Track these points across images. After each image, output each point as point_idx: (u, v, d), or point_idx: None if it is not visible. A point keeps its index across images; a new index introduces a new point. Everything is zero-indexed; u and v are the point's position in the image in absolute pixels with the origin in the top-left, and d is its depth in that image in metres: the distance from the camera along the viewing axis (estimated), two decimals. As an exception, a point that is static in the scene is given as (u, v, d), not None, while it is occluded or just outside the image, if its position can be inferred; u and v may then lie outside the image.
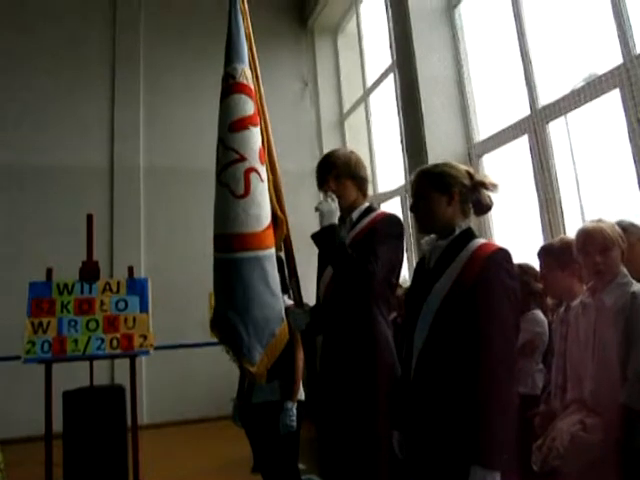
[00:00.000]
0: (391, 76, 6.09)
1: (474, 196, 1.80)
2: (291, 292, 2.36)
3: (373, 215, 2.23)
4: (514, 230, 4.60)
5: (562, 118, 4.03)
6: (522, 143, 4.38)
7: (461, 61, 5.14)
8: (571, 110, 3.89)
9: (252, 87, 2.34)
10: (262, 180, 2.22)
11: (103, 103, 7.37)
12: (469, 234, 1.76)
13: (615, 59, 3.55)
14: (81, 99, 7.23)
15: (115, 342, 4.22)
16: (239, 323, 2.09)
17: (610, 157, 3.77)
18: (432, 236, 1.82)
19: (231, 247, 2.13)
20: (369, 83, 7.11)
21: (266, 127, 2.40)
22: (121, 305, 4.35)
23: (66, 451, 4.15)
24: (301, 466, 3.63)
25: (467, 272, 1.65)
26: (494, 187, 1.80)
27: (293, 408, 2.75)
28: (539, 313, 2.88)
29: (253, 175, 2.18)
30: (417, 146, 5.04)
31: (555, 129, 4.14)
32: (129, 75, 7.48)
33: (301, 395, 2.83)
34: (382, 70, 6.54)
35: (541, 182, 4.13)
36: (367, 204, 2.31)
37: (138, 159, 7.39)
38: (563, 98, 3.93)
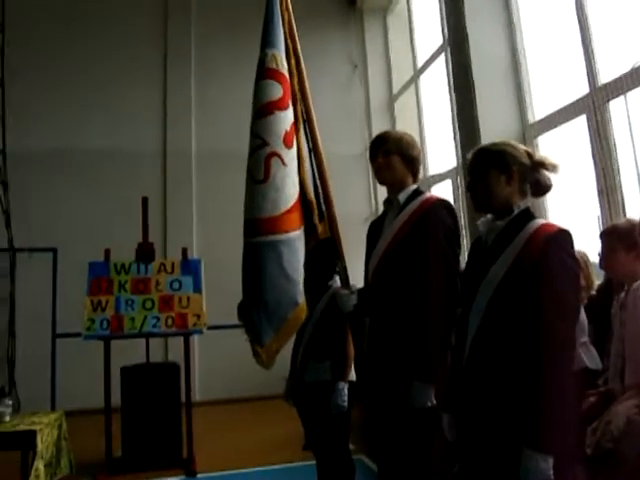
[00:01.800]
0: (442, 56, 5.97)
1: (533, 176, 1.76)
2: (338, 273, 2.37)
3: (422, 199, 2.20)
4: (570, 216, 4.47)
5: (622, 97, 3.86)
6: (580, 123, 4.23)
7: (516, 38, 4.97)
8: (633, 88, 3.72)
9: (283, 71, 2.34)
10: (285, 164, 2.23)
11: (155, 87, 7.53)
12: (528, 214, 1.73)
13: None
14: (134, 84, 7.39)
15: (170, 321, 4.35)
16: (252, 306, 2.14)
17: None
18: (488, 216, 1.80)
19: (251, 232, 2.18)
20: (420, 64, 6.99)
21: (308, 110, 2.40)
22: (175, 285, 4.48)
23: (124, 423, 4.35)
24: (351, 446, 3.68)
25: (526, 253, 1.62)
26: (554, 168, 1.76)
27: (345, 388, 2.77)
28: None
29: (274, 160, 2.20)
30: (470, 128, 4.93)
31: (616, 109, 3.97)
32: (180, 59, 7.60)
33: (352, 376, 2.85)
34: (433, 50, 6.40)
35: (600, 165, 3.97)
36: (415, 186, 2.29)
37: (190, 143, 7.52)
38: (625, 75, 3.76)
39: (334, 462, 2.81)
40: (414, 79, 7.14)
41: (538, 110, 4.85)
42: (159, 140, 7.47)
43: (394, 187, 2.29)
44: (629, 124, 3.91)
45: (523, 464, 1.51)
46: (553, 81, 4.74)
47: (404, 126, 7.40)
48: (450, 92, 5.52)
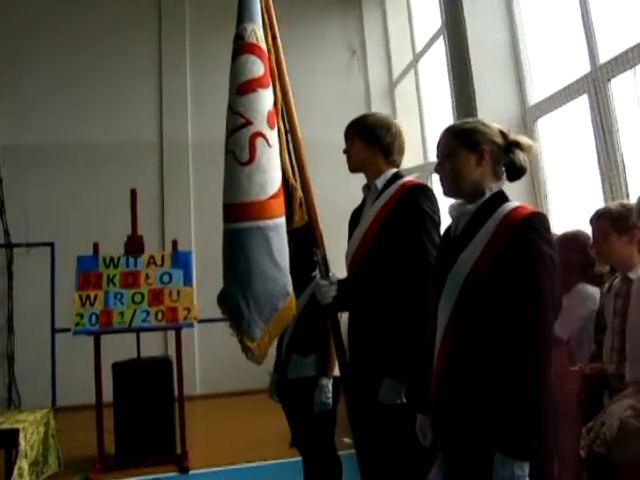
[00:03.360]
0: (440, 40, 5.80)
1: (507, 157, 1.62)
2: (317, 263, 2.25)
3: (399, 184, 2.08)
4: (573, 199, 4.31)
5: (624, 75, 3.69)
6: (581, 104, 4.06)
7: (514, 18, 4.80)
8: (634, 66, 3.55)
9: (263, 47, 2.18)
10: (270, 145, 2.08)
11: (151, 79, 7.43)
12: (501, 197, 1.59)
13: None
14: (129, 77, 7.30)
15: (160, 315, 4.26)
16: (240, 297, 1.98)
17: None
18: (459, 201, 1.66)
19: (235, 217, 2.01)
20: (418, 48, 6.82)
21: (284, 89, 2.26)
22: (165, 278, 4.39)
23: (116, 420, 4.29)
24: (347, 440, 3.58)
25: (497, 239, 1.49)
26: (529, 148, 1.62)
27: (328, 384, 2.66)
28: (586, 286, 2.64)
29: (259, 140, 2.04)
30: (467, 112, 4.77)
31: (617, 87, 3.80)
32: (175, 50, 7.49)
33: (337, 371, 2.73)
34: (431, 34, 6.23)
35: (601, 145, 3.81)
36: (394, 170, 2.16)
37: (186, 134, 7.42)
38: (625, 53, 3.58)
39: (320, 460, 2.71)
40: (413, 64, 6.98)
41: (538, 92, 4.68)
42: (155, 132, 7.38)
43: (368, 173, 2.17)
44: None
45: (496, 471, 1.39)
46: (553, 61, 4.56)
47: (405, 112, 7.28)
48: (448, 76, 5.36)
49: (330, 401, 2.66)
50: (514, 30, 4.81)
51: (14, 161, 6.74)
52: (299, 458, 2.87)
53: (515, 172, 1.63)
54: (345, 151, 2.21)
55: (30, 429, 3.36)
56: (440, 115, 6.35)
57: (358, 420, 2.10)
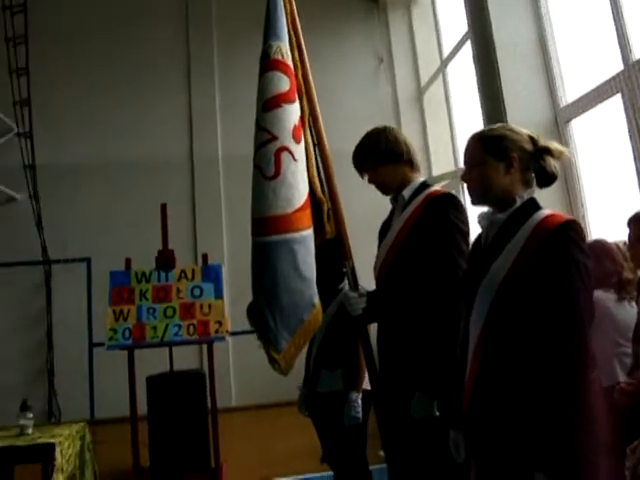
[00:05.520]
0: (468, 44, 5.72)
1: (537, 164, 1.57)
2: (346, 275, 2.22)
3: (425, 194, 2.05)
4: (610, 204, 4.17)
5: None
6: (615, 103, 3.94)
7: (541, 17, 4.70)
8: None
9: (289, 63, 2.22)
10: (296, 159, 2.11)
11: (180, 94, 7.53)
12: (532, 205, 1.53)
13: None
14: (158, 93, 7.41)
15: (192, 328, 4.28)
16: (266, 309, 2.01)
17: None
18: (489, 209, 1.61)
19: (262, 231, 2.06)
20: (445, 53, 6.75)
21: (311, 103, 2.28)
22: (196, 292, 4.41)
23: (151, 433, 4.31)
24: (382, 453, 3.52)
25: (530, 248, 1.44)
26: (560, 154, 1.57)
27: (358, 399, 2.63)
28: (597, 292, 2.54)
29: (284, 154, 2.09)
30: (496, 116, 4.67)
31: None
32: (203, 65, 7.58)
33: (367, 384, 2.69)
34: (458, 38, 6.16)
35: (637, 146, 3.68)
36: (421, 179, 2.13)
37: (216, 148, 7.49)
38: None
39: (351, 474, 2.67)
40: (441, 69, 6.90)
41: (570, 93, 4.57)
42: (185, 147, 7.46)
43: (398, 188, 2.15)
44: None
45: None
46: (584, 60, 4.44)
47: (434, 118, 7.21)
48: (477, 81, 5.27)
49: (360, 415, 2.63)
50: (542, 29, 4.70)
51: (50, 179, 6.90)
52: (330, 473, 2.83)
53: (546, 179, 1.57)
54: (370, 181, 2.20)
55: (66, 443, 3.41)
56: (470, 120, 6.26)
57: (389, 434, 2.06)
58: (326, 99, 2.36)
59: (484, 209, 1.62)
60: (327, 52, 7.25)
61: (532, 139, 1.57)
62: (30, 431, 3.48)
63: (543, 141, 1.58)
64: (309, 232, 2.10)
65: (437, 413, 1.82)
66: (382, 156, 2.12)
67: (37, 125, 6.82)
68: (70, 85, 7.26)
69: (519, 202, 1.53)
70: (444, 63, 6.83)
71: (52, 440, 3.30)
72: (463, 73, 6.29)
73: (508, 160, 1.53)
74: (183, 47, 7.65)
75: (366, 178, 2.23)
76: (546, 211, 1.50)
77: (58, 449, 3.26)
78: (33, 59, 6.72)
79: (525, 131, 1.60)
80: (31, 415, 3.54)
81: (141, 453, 4.26)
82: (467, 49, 5.87)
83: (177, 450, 4.25)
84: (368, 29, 7.89)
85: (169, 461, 4.25)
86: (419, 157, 2.20)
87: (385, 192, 2.21)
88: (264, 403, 6.64)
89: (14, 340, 6.83)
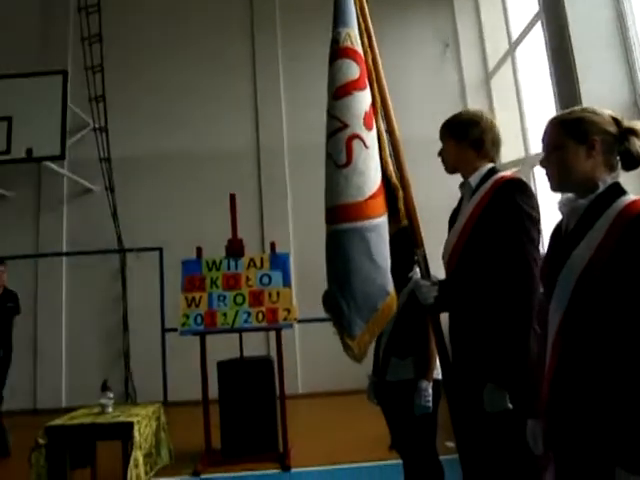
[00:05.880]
0: (538, 25, 5.52)
1: (622, 146, 1.50)
2: (417, 263, 2.21)
3: (493, 180, 2.00)
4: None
5: None
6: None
7: (621, -5, 4.46)
8: None
9: (358, 50, 2.20)
10: (367, 146, 2.08)
11: (245, 85, 7.70)
12: (616, 190, 1.47)
13: None
14: (224, 84, 7.62)
15: (260, 315, 4.38)
16: (340, 296, 2.01)
17: None
18: (569, 195, 1.56)
19: (334, 219, 2.05)
20: (514, 36, 6.53)
21: (381, 89, 2.26)
22: (265, 280, 4.51)
23: (222, 416, 4.46)
24: (450, 444, 3.48)
25: (613, 235, 1.39)
26: None
27: (428, 388, 2.60)
28: None
29: (356, 142, 2.06)
30: (571, 100, 4.50)
31: None
32: (268, 56, 7.72)
33: (438, 374, 2.67)
34: (528, 19, 5.94)
35: None
36: (489, 166, 2.08)
37: (282, 138, 7.61)
38: None
39: (421, 464, 2.66)
40: (510, 53, 6.69)
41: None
42: (252, 138, 7.62)
43: (463, 172, 2.12)
44: None
45: None
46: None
47: (502, 103, 7.02)
48: (549, 63, 5.08)
49: (430, 404, 2.60)
50: (620, 5, 4.46)
51: (124, 172, 7.23)
52: (398, 461, 2.83)
53: (632, 162, 1.50)
54: (439, 153, 2.18)
55: (143, 422, 3.57)
56: (541, 105, 6.04)
57: (461, 426, 2.04)
58: (392, 85, 2.34)
59: (563, 196, 1.57)
60: (392, 38, 7.18)
61: (615, 120, 1.50)
62: (110, 410, 3.67)
63: (627, 122, 1.51)
64: (382, 220, 2.08)
65: (510, 406, 1.79)
66: (452, 130, 2.10)
67: (111, 120, 7.14)
68: (141, 81, 7.56)
69: (602, 187, 1.47)
70: (513, 46, 6.61)
71: (130, 419, 3.47)
72: (533, 56, 6.07)
73: (589, 143, 1.47)
74: (248, 39, 7.79)
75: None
76: (631, 196, 1.44)
77: (136, 428, 3.42)
78: (106, 57, 7.03)
79: (607, 112, 1.54)
80: (111, 395, 3.73)
81: (212, 435, 4.43)
82: (537, 30, 5.66)
83: (247, 434, 4.38)
84: (432, 13, 7.76)
85: (239, 444, 4.38)
86: (496, 151, 2.14)
87: (447, 169, 2.18)
88: (331, 390, 6.74)
89: (95, 324, 7.25)
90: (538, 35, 5.60)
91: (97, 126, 7.08)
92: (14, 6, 7.78)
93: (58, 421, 3.58)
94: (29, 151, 6.52)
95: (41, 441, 3.42)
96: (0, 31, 7.62)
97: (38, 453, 3.41)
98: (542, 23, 5.28)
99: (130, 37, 7.65)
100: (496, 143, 2.12)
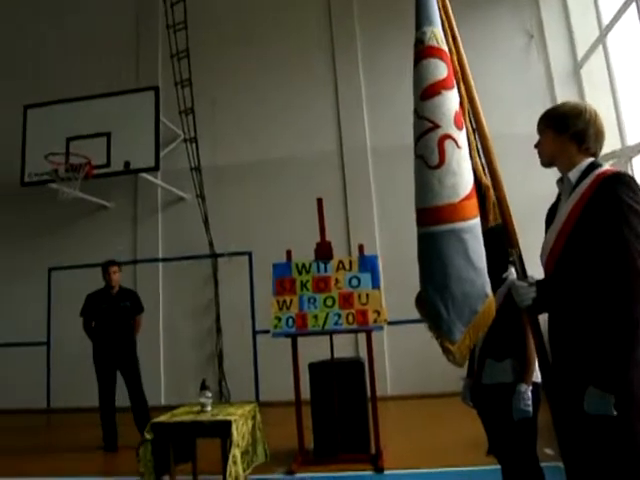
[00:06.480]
0: (633, 7, 5.21)
1: None
2: (513, 264, 2.16)
3: (594, 175, 1.91)
4: None
5: None
6: None
7: None
8: None
9: (444, 48, 2.16)
10: (459, 146, 2.03)
11: (327, 90, 7.81)
12: None
13: None
14: (307, 90, 7.81)
15: (351, 317, 4.43)
16: (438, 300, 1.97)
17: None
18: None
19: (428, 221, 2.02)
20: (605, 21, 6.20)
21: (468, 88, 2.22)
22: (354, 282, 4.55)
23: (314, 417, 4.54)
24: (549, 451, 3.36)
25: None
26: None
27: (527, 391, 2.53)
28: None
29: (448, 142, 2.02)
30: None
31: None
32: (348, 59, 7.81)
33: (537, 377, 2.59)
34: (620, 2, 5.62)
35: None
36: (589, 160, 1.99)
37: (365, 140, 7.66)
38: None
39: (521, 471, 2.59)
40: (601, 40, 6.35)
41: None
42: (335, 141, 7.72)
43: (561, 166, 2.04)
44: None
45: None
46: None
47: (594, 93, 6.68)
48: (646, 47, 4.80)
49: (530, 409, 2.52)
50: None
51: (213, 180, 7.55)
52: (496, 466, 2.76)
53: None
54: (536, 145, 2.11)
55: (240, 421, 3.70)
56: (637, 93, 5.70)
57: (564, 431, 1.97)
58: (476, 81, 2.29)
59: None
60: (474, 32, 7.01)
61: None
62: (209, 409, 3.84)
63: None
64: (477, 221, 2.04)
65: (615, 412, 1.71)
66: (552, 121, 2.03)
67: (200, 130, 7.47)
68: (226, 91, 7.86)
69: None
70: (604, 32, 6.28)
71: (229, 418, 3.61)
72: (627, 41, 5.74)
73: None
74: (328, 43, 7.91)
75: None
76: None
77: (234, 426, 3.55)
78: (194, 70, 7.37)
79: None
80: (210, 394, 3.89)
81: (305, 435, 4.52)
82: (632, 13, 5.34)
83: (339, 435, 4.43)
84: (515, 3, 7.51)
85: (331, 444, 4.44)
86: (599, 145, 2.05)
87: (542, 162, 2.10)
88: (420, 393, 6.68)
89: (190, 327, 7.61)
90: (632, 18, 5.29)
91: (187, 137, 7.43)
92: (110, 28, 8.36)
93: (162, 418, 3.79)
94: (127, 164, 6.98)
95: (148, 436, 3.64)
96: (98, 54, 8.20)
97: (145, 448, 3.62)
98: (637, 4, 5.00)
99: (215, 51, 8.01)
100: (599, 137, 2.03)
